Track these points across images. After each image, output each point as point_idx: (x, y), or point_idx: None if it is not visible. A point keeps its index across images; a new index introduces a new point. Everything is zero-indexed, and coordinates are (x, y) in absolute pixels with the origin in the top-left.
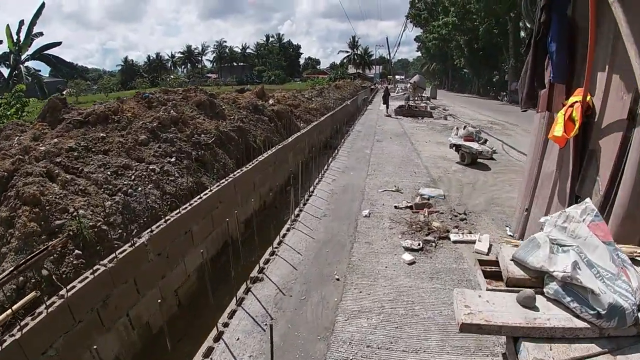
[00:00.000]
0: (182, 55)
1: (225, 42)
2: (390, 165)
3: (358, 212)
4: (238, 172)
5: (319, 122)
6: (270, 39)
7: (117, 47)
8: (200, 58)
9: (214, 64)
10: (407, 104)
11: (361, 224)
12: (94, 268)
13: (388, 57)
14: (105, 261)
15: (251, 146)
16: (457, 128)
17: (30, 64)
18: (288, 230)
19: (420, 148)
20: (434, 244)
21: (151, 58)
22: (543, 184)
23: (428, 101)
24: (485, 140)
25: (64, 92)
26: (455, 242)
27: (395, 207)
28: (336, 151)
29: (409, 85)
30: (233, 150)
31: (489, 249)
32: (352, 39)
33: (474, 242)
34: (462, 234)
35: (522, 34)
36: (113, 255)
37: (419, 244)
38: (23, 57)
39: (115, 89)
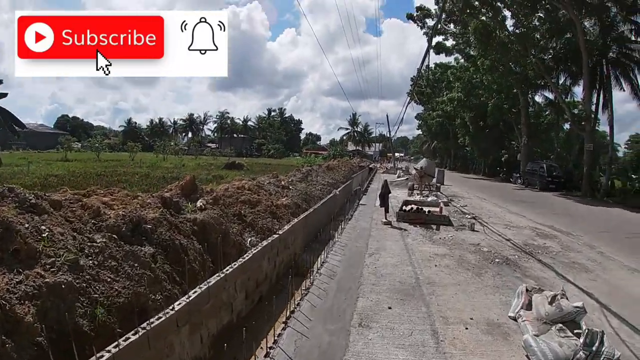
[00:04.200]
0: (183, 123)
1: (227, 113)
2: None
3: None
4: None
5: (276, 239)
6: (272, 113)
7: (128, 107)
8: (201, 127)
9: (215, 134)
10: (412, 202)
11: None
12: None
13: (388, 135)
14: None
15: (69, 333)
16: (526, 291)
17: None
18: None
19: None
20: None
21: (154, 122)
22: None
23: (438, 191)
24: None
25: (65, 146)
26: None
27: None
28: None
29: (413, 170)
30: None
31: None
32: (353, 116)
33: None
34: None
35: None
36: None
37: None
38: None
39: (107, 149)
